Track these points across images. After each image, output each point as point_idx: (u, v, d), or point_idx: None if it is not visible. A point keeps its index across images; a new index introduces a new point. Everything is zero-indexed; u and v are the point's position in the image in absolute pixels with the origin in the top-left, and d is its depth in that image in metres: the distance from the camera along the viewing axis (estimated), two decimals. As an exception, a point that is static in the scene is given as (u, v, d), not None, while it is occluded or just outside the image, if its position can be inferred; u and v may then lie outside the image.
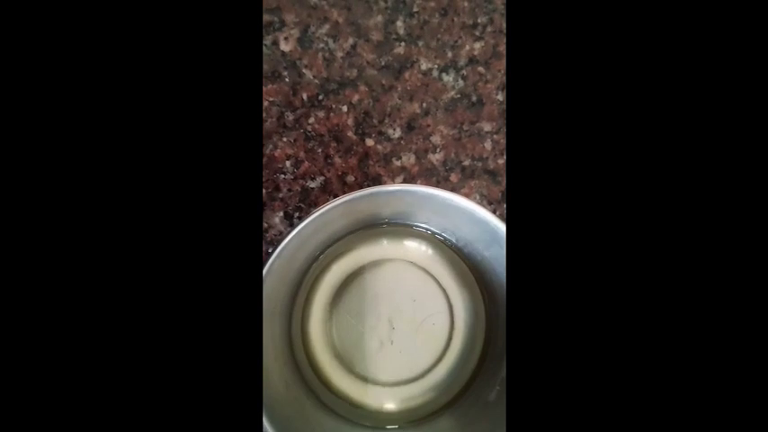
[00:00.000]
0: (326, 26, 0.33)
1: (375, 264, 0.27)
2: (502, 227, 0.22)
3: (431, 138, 0.33)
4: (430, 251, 0.28)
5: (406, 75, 0.33)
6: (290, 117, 0.32)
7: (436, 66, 0.33)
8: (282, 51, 0.32)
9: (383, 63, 0.33)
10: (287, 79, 0.32)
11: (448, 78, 0.33)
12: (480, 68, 0.33)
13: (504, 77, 0.33)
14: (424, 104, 0.33)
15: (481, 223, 0.23)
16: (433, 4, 0.33)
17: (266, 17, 0.33)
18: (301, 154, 0.32)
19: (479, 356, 0.27)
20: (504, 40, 0.33)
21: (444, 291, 0.27)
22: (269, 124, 0.32)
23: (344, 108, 0.32)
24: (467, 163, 0.33)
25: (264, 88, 0.32)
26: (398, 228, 0.27)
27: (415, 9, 0.33)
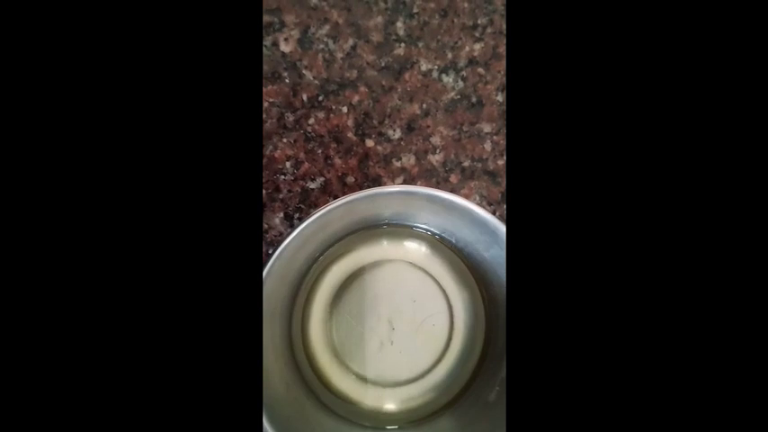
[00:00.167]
0: (326, 27, 0.33)
1: (375, 264, 0.27)
2: (502, 228, 0.22)
3: (431, 139, 0.33)
4: (430, 252, 0.28)
5: (406, 76, 0.33)
6: (290, 118, 0.32)
7: (436, 67, 0.33)
8: (282, 52, 0.33)
9: (383, 64, 0.33)
10: (287, 80, 0.32)
11: (448, 79, 0.33)
12: (480, 69, 0.33)
13: (504, 78, 0.33)
14: (424, 105, 0.33)
15: (481, 224, 0.23)
16: (432, 5, 0.33)
17: (266, 18, 0.33)
18: (301, 155, 0.32)
19: (479, 357, 0.27)
20: (505, 42, 0.33)
21: (444, 291, 0.27)
22: (269, 125, 0.32)
23: (344, 109, 0.32)
24: (467, 164, 0.33)
25: (264, 89, 0.32)
26: (398, 229, 0.28)
27: (415, 10, 0.33)
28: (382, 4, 0.33)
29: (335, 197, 0.32)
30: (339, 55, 0.33)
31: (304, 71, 0.32)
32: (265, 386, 0.22)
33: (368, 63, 0.33)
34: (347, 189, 0.32)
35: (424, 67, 0.33)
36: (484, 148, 0.33)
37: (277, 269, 0.22)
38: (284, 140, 0.32)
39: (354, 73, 0.33)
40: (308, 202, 0.32)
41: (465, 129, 0.33)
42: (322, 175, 0.32)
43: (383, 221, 0.27)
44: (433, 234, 0.28)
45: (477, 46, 0.33)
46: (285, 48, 0.33)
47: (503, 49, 0.33)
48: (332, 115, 0.32)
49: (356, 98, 0.33)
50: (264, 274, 0.21)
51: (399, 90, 0.33)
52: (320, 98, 0.32)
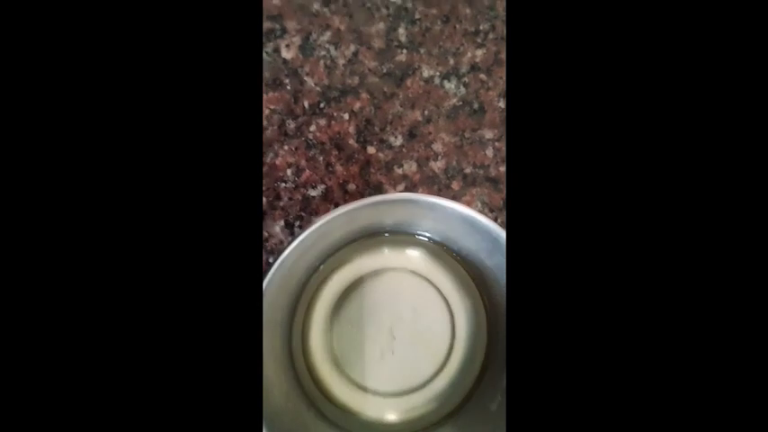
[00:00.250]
0: (328, 33, 0.33)
1: (376, 273, 0.27)
2: (504, 236, 0.22)
3: (432, 145, 0.32)
4: (431, 260, 0.27)
5: (408, 82, 0.33)
6: (291, 125, 0.32)
7: (438, 73, 0.33)
8: (284, 59, 0.32)
9: (385, 70, 0.33)
10: (288, 87, 0.32)
11: (450, 86, 0.33)
12: (482, 76, 0.33)
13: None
14: (426, 112, 0.33)
15: (483, 232, 0.23)
16: (434, 11, 0.33)
17: (267, 24, 0.32)
18: (302, 162, 0.32)
19: (481, 366, 0.27)
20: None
21: (446, 300, 0.27)
22: (270, 132, 0.32)
23: (346, 116, 0.32)
24: (468, 170, 0.32)
25: (265, 96, 0.32)
26: (400, 236, 0.27)
27: (416, 16, 0.33)
28: (384, 11, 0.33)
29: (337, 205, 0.32)
30: (341, 61, 0.33)
31: (305, 78, 0.32)
32: (265, 398, 0.21)
33: (369, 69, 0.33)
34: (348, 196, 0.32)
35: (425, 74, 0.33)
36: (486, 154, 0.32)
37: (278, 279, 0.22)
38: (285, 148, 0.32)
39: (356, 79, 0.32)
40: (309, 210, 0.32)
41: (467, 135, 0.33)
42: (323, 183, 0.32)
43: (385, 229, 0.27)
44: (435, 242, 0.27)
45: (480, 52, 0.33)
46: (286, 54, 0.32)
47: (505, 55, 0.33)
48: (333, 122, 0.32)
49: (358, 105, 0.32)
50: (265, 283, 0.21)
51: (401, 96, 0.33)
52: (321, 105, 0.32)
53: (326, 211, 0.32)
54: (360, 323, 0.27)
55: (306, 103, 0.32)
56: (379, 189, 0.32)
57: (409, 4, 0.33)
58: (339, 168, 0.32)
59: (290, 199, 0.32)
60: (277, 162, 0.32)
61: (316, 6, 0.33)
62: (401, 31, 0.33)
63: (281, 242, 0.31)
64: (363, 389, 0.27)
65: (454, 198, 0.32)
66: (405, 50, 0.33)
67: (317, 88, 0.32)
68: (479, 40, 0.33)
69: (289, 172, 0.32)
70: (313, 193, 0.32)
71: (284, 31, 0.33)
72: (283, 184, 0.32)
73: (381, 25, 0.33)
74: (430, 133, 0.32)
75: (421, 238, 0.27)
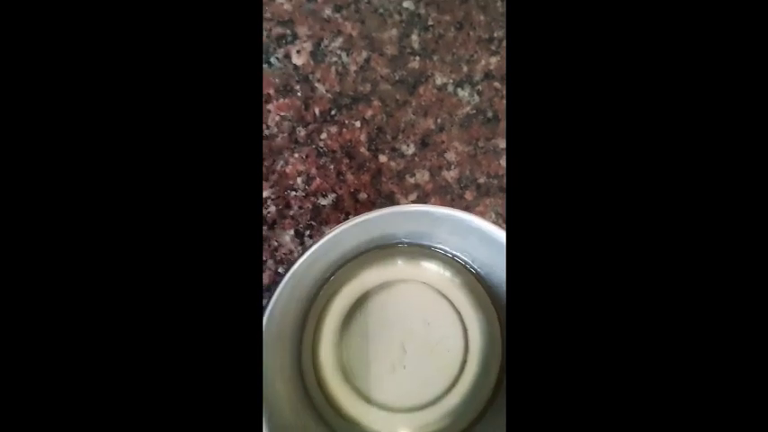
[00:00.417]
0: (340, 39, 0.32)
1: (388, 285, 0.27)
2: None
3: (445, 154, 0.32)
4: (446, 273, 0.27)
5: (421, 90, 0.32)
6: (301, 132, 0.31)
7: (451, 80, 0.32)
8: (294, 65, 0.32)
9: (397, 77, 0.32)
10: (299, 93, 0.32)
11: (463, 93, 0.32)
12: (496, 84, 0.32)
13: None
14: (439, 120, 0.32)
15: (498, 245, 0.22)
16: (448, 17, 0.33)
17: (278, 30, 0.32)
18: (313, 170, 0.31)
19: (495, 381, 0.26)
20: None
21: (459, 313, 0.27)
22: (280, 139, 0.31)
23: (357, 123, 0.32)
24: (482, 180, 0.32)
25: (276, 102, 0.32)
26: (414, 248, 0.27)
27: (430, 23, 0.33)
28: (397, 17, 0.33)
29: (347, 214, 0.31)
30: (352, 68, 0.32)
31: (316, 84, 0.32)
32: (273, 412, 0.21)
33: (382, 76, 0.32)
34: (359, 206, 0.31)
35: (438, 81, 0.32)
36: (500, 164, 0.32)
37: (288, 290, 0.21)
38: (295, 155, 0.31)
39: (368, 86, 0.32)
40: (320, 219, 0.31)
41: (480, 144, 0.32)
42: (334, 192, 0.31)
43: (399, 240, 0.26)
44: (450, 255, 0.27)
45: (494, 59, 0.33)
46: (297, 60, 0.32)
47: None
48: (344, 130, 0.32)
49: (369, 112, 0.32)
50: (275, 295, 0.20)
51: (413, 104, 0.32)
52: (333, 112, 0.32)
53: (337, 220, 0.31)
54: (370, 336, 0.26)
55: (317, 110, 0.32)
56: (390, 198, 0.31)
57: (422, 11, 0.33)
58: (350, 177, 0.31)
59: (300, 208, 0.31)
60: (287, 170, 0.31)
61: (327, 12, 0.32)
62: (414, 37, 0.32)
63: (291, 252, 0.31)
64: (374, 404, 0.26)
65: (467, 208, 0.31)
66: (418, 57, 0.32)
67: (329, 95, 0.32)
68: (493, 48, 0.33)
69: (299, 180, 0.31)
70: (323, 201, 0.31)
71: (295, 36, 0.32)
72: (293, 193, 0.31)
73: (394, 31, 0.32)
74: (443, 142, 0.32)
75: (436, 250, 0.27)
